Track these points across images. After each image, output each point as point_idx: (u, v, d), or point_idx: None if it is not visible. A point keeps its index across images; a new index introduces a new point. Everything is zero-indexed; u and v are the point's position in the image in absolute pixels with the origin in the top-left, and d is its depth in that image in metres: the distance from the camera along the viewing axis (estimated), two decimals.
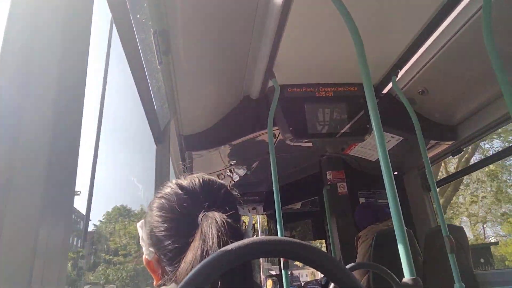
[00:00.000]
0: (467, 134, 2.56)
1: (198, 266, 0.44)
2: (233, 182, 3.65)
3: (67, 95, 0.59)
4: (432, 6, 1.71)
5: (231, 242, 0.62)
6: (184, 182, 0.74)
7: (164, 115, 1.84)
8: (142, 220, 0.76)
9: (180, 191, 0.71)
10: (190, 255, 0.62)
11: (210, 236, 0.61)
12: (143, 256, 0.73)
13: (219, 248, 0.60)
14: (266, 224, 4.99)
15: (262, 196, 4.19)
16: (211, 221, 0.63)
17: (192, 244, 0.64)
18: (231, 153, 2.76)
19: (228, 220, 0.64)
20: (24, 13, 0.58)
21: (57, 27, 0.59)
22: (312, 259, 0.46)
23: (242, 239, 0.66)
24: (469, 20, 1.77)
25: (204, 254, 0.60)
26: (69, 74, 0.60)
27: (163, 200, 0.71)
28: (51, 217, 0.51)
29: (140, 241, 0.74)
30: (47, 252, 0.49)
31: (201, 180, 0.74)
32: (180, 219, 0.68)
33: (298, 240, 0.47)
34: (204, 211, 0.66)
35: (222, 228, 0.62)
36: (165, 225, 0.68)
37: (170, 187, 0.74)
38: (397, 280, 1.26)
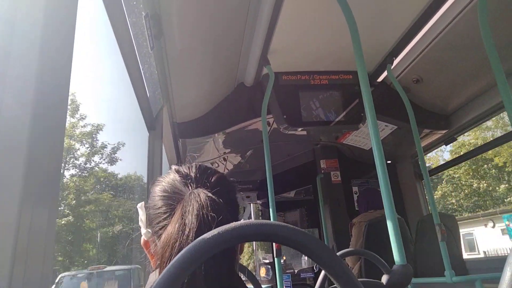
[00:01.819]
0: (460, 123, 2.57)
1: (179, 254, 0.43)
2: (227, 171, 3.64)
3: (50, 83, 0.56)
4: None
5: (212, 217, 0.63)
6: (183, 167, 0.78)
7: (156, 102, 1.81)
8: (143, 202, 0.79)
9: (176, 174, 0.75)
10: (170, 227, 0.65)
11: (190, 210, 0.64)
12: (141, 237, 0.76)
13: (197, 222, 0.62)
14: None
15: (256, 184, 4.20)
16: (194, 196, 0.67)
17: (173, 217, 0.67)
18: (224, 141, 2.75)
19: (213, 197, 0.67)
20: None
21: (39, 9, 0.56)
22: (298, 242, 0.44)
23: (226, 215, 0.66)
24: (464, 9, 1.75)
25: (181, 227, 0.63)
26: (53, 60, 0.57)
27: (160, 183, 0.76)
28: (34, 211, 0.49)
29: (139, 222, 0.77)
30: (29, 249, 0.47)
31: (197, 166, 0.78)
32: (171, 197, 0.71)
33: (285, 224, 0.46)
34: (192, 190, 0.70)
35: (204, 203, 0.65)
36: (159, 204, 0.72)
37: (169, 172, 0.78)
38: (388, 266, 1.28)
